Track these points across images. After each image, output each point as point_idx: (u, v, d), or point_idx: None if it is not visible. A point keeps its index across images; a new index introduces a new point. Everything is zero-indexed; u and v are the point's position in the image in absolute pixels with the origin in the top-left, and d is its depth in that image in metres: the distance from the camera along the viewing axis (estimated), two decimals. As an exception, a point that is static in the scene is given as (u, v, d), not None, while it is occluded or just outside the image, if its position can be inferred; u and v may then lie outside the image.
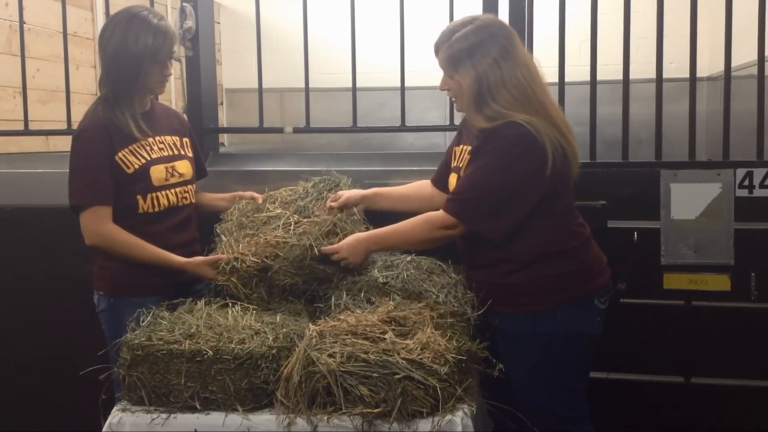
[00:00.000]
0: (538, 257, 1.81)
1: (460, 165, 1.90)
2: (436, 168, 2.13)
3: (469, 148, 1.86)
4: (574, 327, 1.83)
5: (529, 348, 1.83)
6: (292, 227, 1.92)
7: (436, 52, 1.85)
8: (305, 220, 1.95)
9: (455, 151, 1.99)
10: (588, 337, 1.86)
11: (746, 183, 2.26)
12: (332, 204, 2.03)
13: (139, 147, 1.96)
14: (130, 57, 1.89)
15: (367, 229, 2.10)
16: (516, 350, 1.84)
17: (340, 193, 2.07)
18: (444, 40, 1.82)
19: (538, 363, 1.82)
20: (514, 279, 1.82)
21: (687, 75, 2.37)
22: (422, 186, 2.14)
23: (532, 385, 1.84)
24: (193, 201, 2.11)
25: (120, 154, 1.92)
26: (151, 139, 1.99)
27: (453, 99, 1.90)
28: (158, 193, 1.97)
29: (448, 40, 1.81)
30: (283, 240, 1.86)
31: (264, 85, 2.66)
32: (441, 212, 1.81)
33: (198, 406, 1.57)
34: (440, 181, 2.09)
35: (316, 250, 1.84)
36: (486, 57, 1.76)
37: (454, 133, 2.17)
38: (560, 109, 1.87)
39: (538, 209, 1.79)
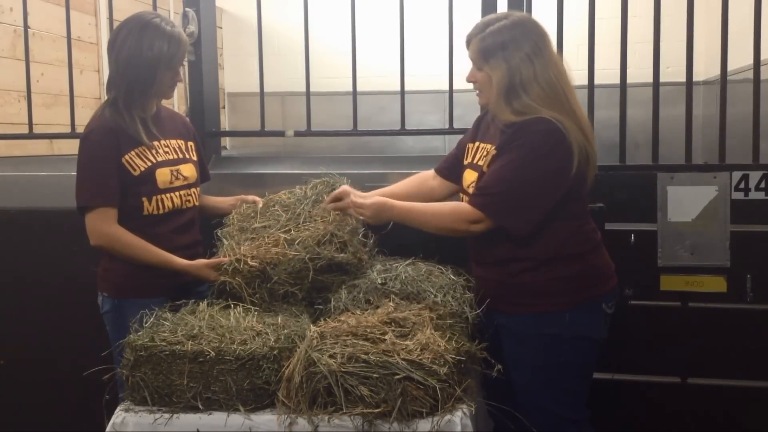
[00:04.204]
0: (551, 258, 1.81)
1: (479, 163, 1.89)
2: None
3: (488, 146, 1.87)
4: (581, 329, 1.84)
5: (534, 348, 1.83)
6: (291, 232, 1.94)
7: (468, 43, 1.86)
8: (303, 227, 1.96)
9: (469, 148, 1.99)
10: (593, 341, 1.87)
11: (742, 186, 2.27)
12: (331, 207, 1.97)
13: (145, 150, 1.98)
14: (145, 63, 1.92)
15: (366, 234, 2.13)
16: (521, 350, 1.85)
17: (340, 193, 1.97)
18: (477, 32, 1.83)
19: (542, 363, 1.83)
20: (525, 279, 1.83)
21: (683, 79, 2.38)
22: (422, 180, 2.14)
23: (535, 385, 1.85)
24: (197, 204, 2.13)
25: (126, 157, 1.95)
26: (156, 143, 2.01)
27: (477, 92, 1.90)
28: (163, 196, 2.00)
29: (481, 32, 1.82)
30: (282, 250, 1.87)
31: (265, 89, 2.69)
32: (468, 206, 1.80)
33: (200, 406, 1.58)
34: (448, 172, 2.09)
35: (315, 263, 1.86)
36: (519, 52, 1.77)
37: (453, 137, 2.19)
38: (584, 113, 1.88)
39: (556, 210, 1.80)
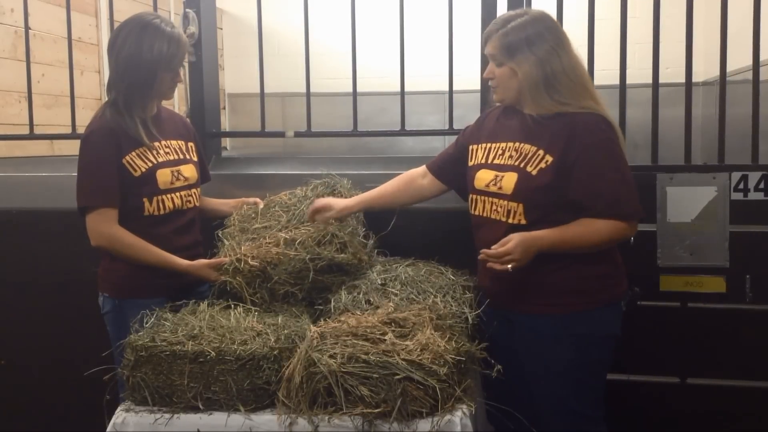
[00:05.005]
0: (584, 255, 1.81)
1: (498, 162, 1.88)
2: None
3: (514, 144, 1.86)
4: (608, 327, 1.86)
5: (564, 348, 1.82)
6: (292, 232, 1.95)
7: (486, 40, 1.86)
8: (303, 227, 1.97)
9: (473, 149, 1.97)
10: (616, 338, 1.88)
11: (741, 186, 2.27)
12: (311, 218, 1.98)
13: (146, 150, 1.99)
14: (144, 64, 1.93)
15: (366, 235, 2.13)
16: (549, 350, 1.83)
17: (320, 206, 2.00)
18: (497, 28, 1.84)
19: (571, 363, 1.82)
20: (557, 278, 1.82)
21: (683, 80, 2.38)
22: (409, 179, 2.11)
23: (561, 384, 1.84)
24: (197, 204, 2.14)
25: (127, 158, 1.96)
26: (157, 143, 2.02)
27: (494, 88, 1.89)
28: (164, 196, 2.01)
29: (502, 27, 1.83)
30: (283, 250, 1.88)
31: (266, 90, 2.69)
32: (622, 223, 1.78)
33: (201, 407, 1.59)
34: (440, 171, 2.07)
35: (315, 263, 1.87)
36: (545, 45, 1.80)
37: (453, 137, 2.19)
38: None
39: None
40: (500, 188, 1.85)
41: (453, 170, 2.05)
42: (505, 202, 1.84)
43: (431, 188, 2.10)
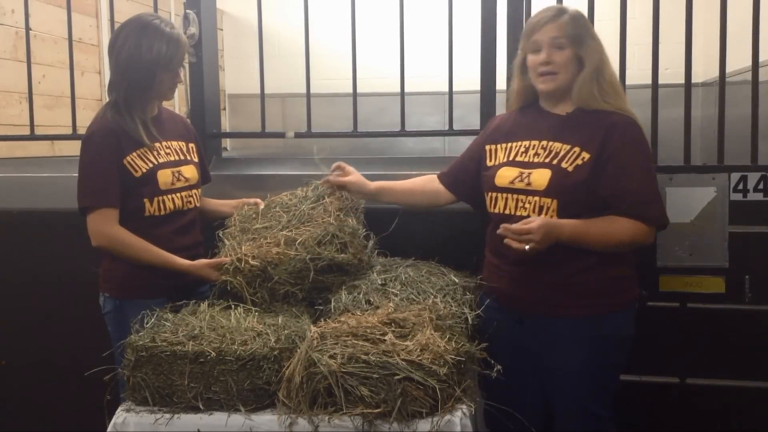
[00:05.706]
0: (605, 257, 1.81)
1: (520, 159, 1.87)
2: (435, 172, 2.14)
3: (536, 142, 1.86)
4: (625, 329, 1.86)
5: (586, 350, 1.81)
6: (292, 232, 1.95)
7: (543, 25, 1.82)
8: (303, 227, 1.98)
9: (490, 150, 1.96)
10: (633, 339, 1.89)
11: (740, 187, 2.28)
12: (331, 180, 2.05)
13: (146, 151, 1.99)
14: (144, 65, 1.93)
15: (367, 235, 2.13)
16: (570, 352, 1.83)
17: (346, 174, 2.08)
18: (556, 14, 1.84)
19: (591, 364, 1.82)
20: (581, 279, 1.81)
21: (682, 81, 2.39)
22: (428, 181, 2.12)
23: (579, 385, 1.84)
24: (198, 205, 2.15)
25: (128, 158, 1.96)
26: (158, 144, 2.03)
27: (548, 74, 1.83)
28: (164, 197, 2.01)
29: (562, 15, 1.84)
30: (284, 250, 1.88)
31: (266, 91, 2.70)
32: (645, 226, 1.79)
33: (201, 407, 1.60)
34: (450, 180, 2.07)
35: (316, 263, 1.87)
36: (597, 39, 1.86)
37: (453, 138, 2.19)
38: None
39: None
40: (529, 184, 1.82)
41: (464, 181, 2.04)
42: (537, 198, 1.81)
43: (446, 195, 2.09)
